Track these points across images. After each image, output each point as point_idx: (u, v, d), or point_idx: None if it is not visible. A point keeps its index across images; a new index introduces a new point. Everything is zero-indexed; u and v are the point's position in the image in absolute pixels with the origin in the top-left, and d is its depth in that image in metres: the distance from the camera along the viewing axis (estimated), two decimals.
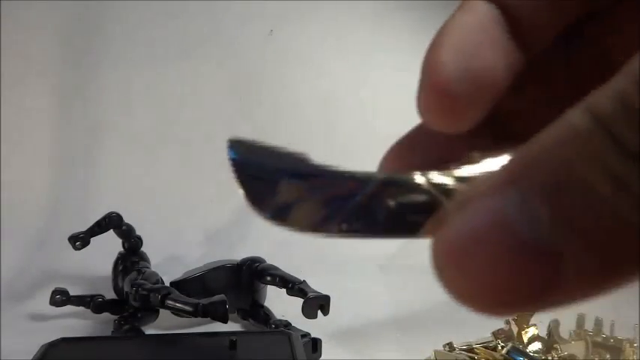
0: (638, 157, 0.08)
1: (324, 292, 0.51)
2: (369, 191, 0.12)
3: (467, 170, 0.12)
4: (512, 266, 0.09)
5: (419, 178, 0.12)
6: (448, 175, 0.12)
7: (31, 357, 0.38)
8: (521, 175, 0.09)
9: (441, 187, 0.12)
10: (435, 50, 0.14)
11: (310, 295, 0.51)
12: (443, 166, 0.13)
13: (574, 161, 0.09)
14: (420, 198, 0.12)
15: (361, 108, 0.92)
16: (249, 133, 0.93)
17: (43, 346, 0.40)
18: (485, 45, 0.14)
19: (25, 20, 0.83)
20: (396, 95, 0.66)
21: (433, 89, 0.14)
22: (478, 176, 0.12)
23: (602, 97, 0.09)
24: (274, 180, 0.12)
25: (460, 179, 0.12)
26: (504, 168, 0.10)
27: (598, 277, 0.09)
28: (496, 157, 0.12)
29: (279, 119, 0.89)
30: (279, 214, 0.12)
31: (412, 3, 0.93)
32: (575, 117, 0.09)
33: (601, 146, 0.09)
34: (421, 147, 0.16)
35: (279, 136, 0.88)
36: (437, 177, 0.12)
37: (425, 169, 0.12)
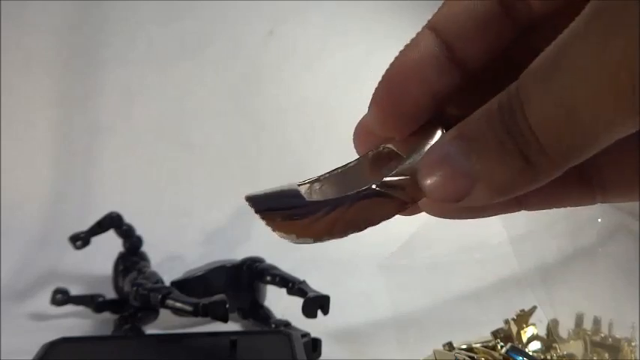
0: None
1: (324, 292, 0.51)
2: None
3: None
4: (450, 174, 0.17)
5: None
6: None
7: (32, 357, 0.38)
8: (459, 134, 0.17)
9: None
10: (389, 75, 0.20)
11: (310, 294, 0.51)
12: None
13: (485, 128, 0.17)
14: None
15: (361, 108, 0.92)
16: (249, 133, 0.93)
17: (43, 345, 0.40)
18: (427, 66, 0.19)
19: (25, 20, 0.83)
20: None
21: (385, 106, 0.20)
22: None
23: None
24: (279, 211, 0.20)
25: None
26: (452, 129, 0.18)
27: (494, 186, 0.17)
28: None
29: (279, 119, 0.89)
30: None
31: (412, 3, 0.93)
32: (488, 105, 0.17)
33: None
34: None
35: (278, 136, 0.88)
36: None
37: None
